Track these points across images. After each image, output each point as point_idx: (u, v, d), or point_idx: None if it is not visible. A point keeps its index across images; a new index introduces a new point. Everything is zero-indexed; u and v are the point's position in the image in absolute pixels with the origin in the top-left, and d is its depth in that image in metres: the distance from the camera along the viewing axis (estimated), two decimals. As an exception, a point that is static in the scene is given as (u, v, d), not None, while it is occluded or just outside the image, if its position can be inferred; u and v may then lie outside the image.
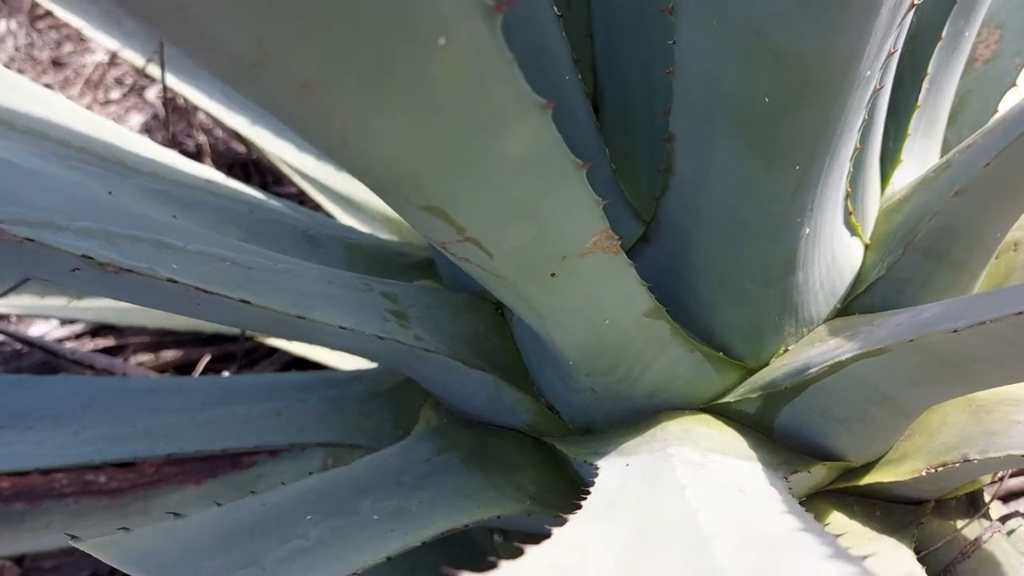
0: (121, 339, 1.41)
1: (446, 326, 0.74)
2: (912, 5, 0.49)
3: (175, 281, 0.56)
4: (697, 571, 0.34)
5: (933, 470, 0.69)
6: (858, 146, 0.62)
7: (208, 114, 1.49)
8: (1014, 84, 0.83)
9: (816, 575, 0.33)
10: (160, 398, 0.85)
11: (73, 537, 0.58)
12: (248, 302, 0.59)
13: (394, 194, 0.40)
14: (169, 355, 1.38)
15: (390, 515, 0.66)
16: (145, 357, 1.39)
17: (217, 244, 0.65)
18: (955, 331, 0.51)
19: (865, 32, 0.47)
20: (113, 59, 2.16)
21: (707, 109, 0.56)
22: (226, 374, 1.24)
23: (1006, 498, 1.03)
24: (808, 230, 0.63)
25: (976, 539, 0.79)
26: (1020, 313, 0.46)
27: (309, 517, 0.64)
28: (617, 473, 0.59)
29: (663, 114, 0.59)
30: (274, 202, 0.91)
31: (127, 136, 0.88)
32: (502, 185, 0.41)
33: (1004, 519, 0.83)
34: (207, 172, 0.90)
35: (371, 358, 0.77)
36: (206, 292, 0.58)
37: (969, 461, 0.67)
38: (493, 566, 0.31)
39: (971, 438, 0.69)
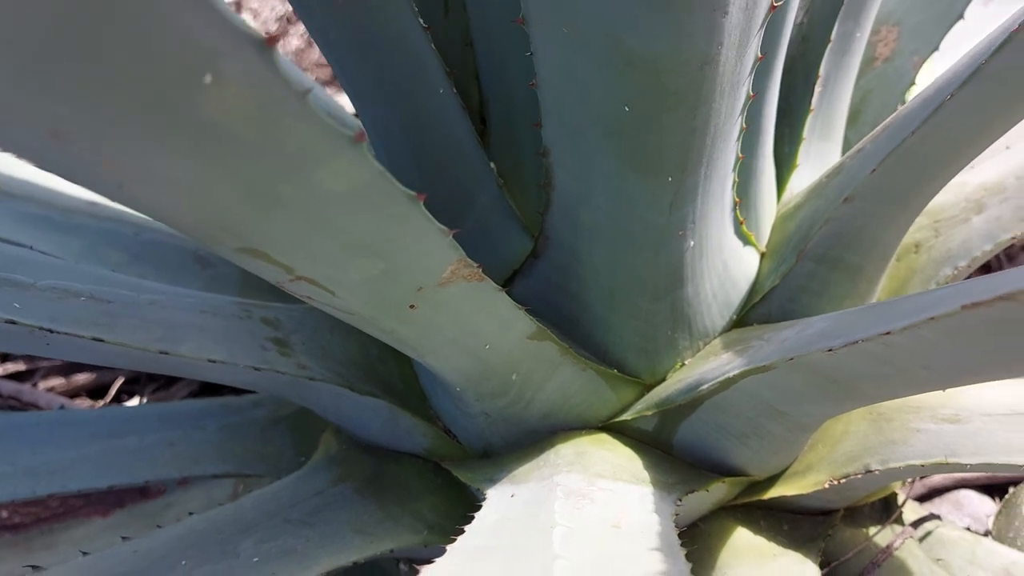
0: (31, 363, 1.35)
1: (335, 351, 0.71)
2: (771, 7, 0.47)
3: (14, 322, 0.52)
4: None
5: (836, 482, 0.68)
6: (740, 155, 0.60)
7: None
8: (913, 83, 0.82)
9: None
10: (46, 432, 0.81)
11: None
12: (101, 340, 0.56)
13: (201, 235, 0.37)
14: (81, 378, 1.33)
15: (273, 556, 0.63)
16: (56, 381, 1.33)
17: (78, 275, 0.61)
18: (830, 350, 0.50)
19: (714, 34, 0.45)
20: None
21: (575, 120, 0.53)
22: (135, 400, 1.20)
23: (929, 495, 1.03)
24: (692, 243, 0.61)
25: (888, 547, 0.77)
26: (888, 333, 0.44)
27: (184, 563, 0.61)
28: (500, 506, 0.56)
29: (535, 128, 0.57)
30: (161, 224, 0.87)
31: (3, 159, 0.84)
32: (330, 223, 0.38)
33: (917, 524, 0.82)
34: (91, 194, 0.85)
35: (255, 388, 0.73)
36: (51, 332, 0.54)
37: (871, 472, 0.66)
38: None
39: (872, 448, 0.68)
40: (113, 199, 0.33)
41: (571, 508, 0.52)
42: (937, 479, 1.05)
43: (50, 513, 1.08)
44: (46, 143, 0.28)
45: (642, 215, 0.58)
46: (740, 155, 0.60)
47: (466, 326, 0.54)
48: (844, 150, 0.80)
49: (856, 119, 0.84)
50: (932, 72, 0.82)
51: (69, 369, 1.36)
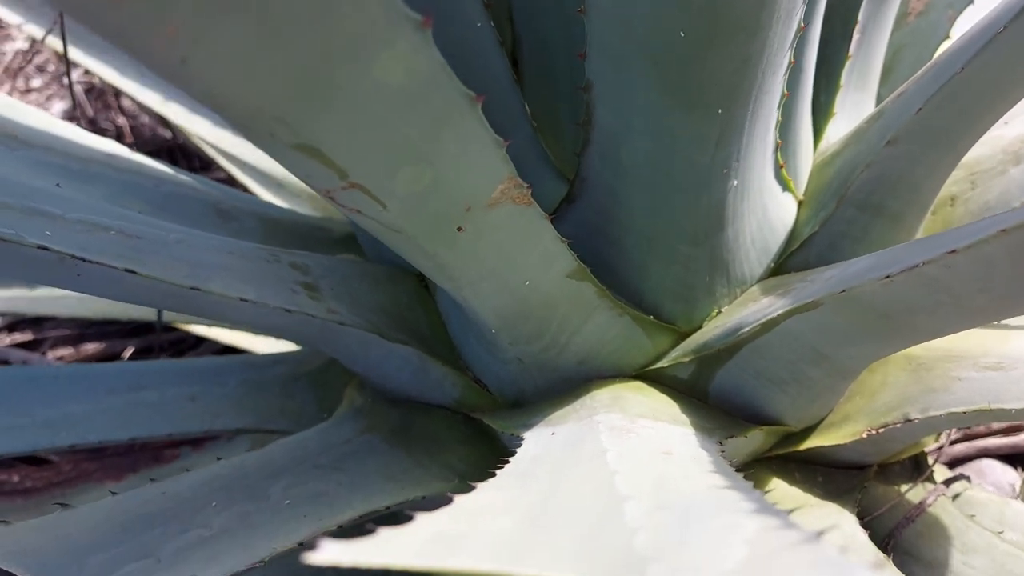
0: (39, 333, 1.34)
1: (363, 298, 0.69)
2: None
3: (47, 248, 0.51)
4: (603, 537, 0.31)
5: (874, 432, 0.66)
6: (785, 92, 0.59)
7: (127, 95, 1.42)
8: (947, 36, 0.81)
9: (734, 535, 0.30)
10: (64, 386, 0.79)
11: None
12: (134, 272, 0.54)
13: (257, 129, 0.35)
14: (90, 348, 1.31)
15: (304, 499, 0.61)
16: (65, 351, 1.32)
17: (104, 214, 0.60)
18: (887, 277, 0.48)
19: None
20: (33, 46, 2.07)
21: (622, 51, 0.52)
22: (148, 364, 1.18)
23: (951, 464, 1.02)
24: (735, 182, 0.59)
25: (920, 503, 0.76)
26: (952, 252, 0.43)
27: (213, 504, 0.59)
28: (540, 443, 0.55)
29: (579, 59, 0.55)
30: (183, 176, 0.86)
31: (21, 109, 0.82)
32: (384, 119, 0.37)
33: (948, 482, 0.81)
34: (109, 146, 0.84)
35: (283, 335, 0.72)
36: (84, 261, 0.52)
37: (910, 421, 0.65)
38: (372, 532, 0.27)
39: (911, 397, 0.67)
40: (174, 79, 0.32)
41: (617, 439, 0.50)
42: (960, 448, 1.04)
43: (62, 477, 1.07)
44: (107, 4, 0.26)
45: (687, 152, 0.56)
46: (786, 92, 0.58)
47: (509, 256, 0.53)
48: (877, 104, 0.79)
49: (888, 75, 0.82)
50: (966, 27, 0.81)
51: (78, 339, 1.34)
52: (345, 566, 0.25)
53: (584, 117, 0.59)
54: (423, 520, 0.31)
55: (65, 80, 1.96)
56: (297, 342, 0.82)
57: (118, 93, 1.65)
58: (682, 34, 0.47)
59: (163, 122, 1.42)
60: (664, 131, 0.55)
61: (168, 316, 1.03)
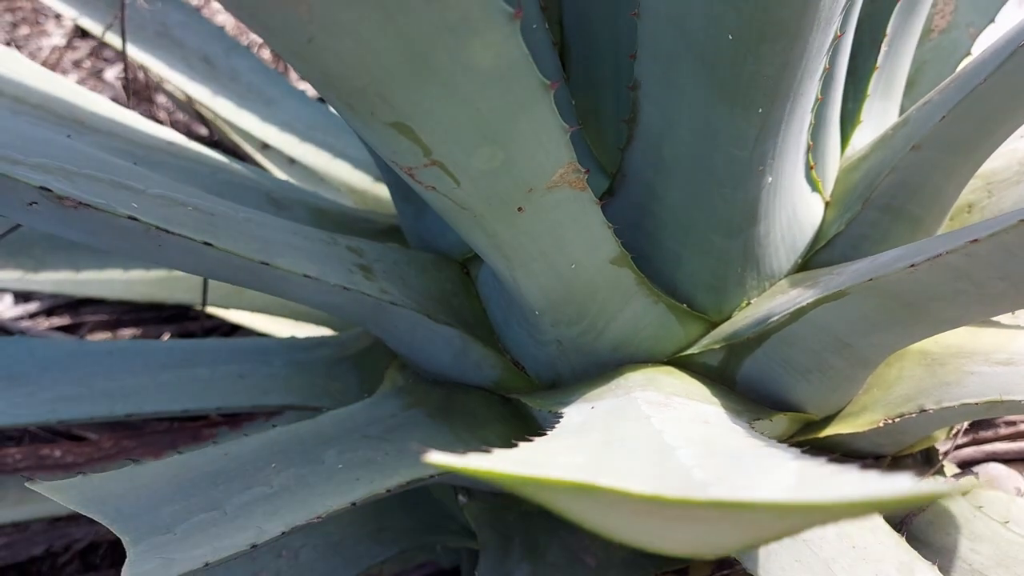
0: (77, 317, 1.38)
1: (412, 282, 0.74)
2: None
3: (136, 219, 0.55)
4: (663, 469, 0.35)
5: (891, 421, 0.70)
6: (819, 96, 0.63)
7: (168, 90, 1.47)
8: (968, 53, 0.86)
9: (780, 469, 0.34)
10: (119, 360, 0.84)
11: (29, 479, 0.57)
12: (211, 244, 0.59)
13: (360, 106, 0.40)
14: (127, 333, 1.36)
15: (356, 465, 0.65)
16: (102, 335, 1.36)
17: (179, 192, 0.64)
18: (912, 266, 0.52)
19: (826, -33, 0.48)
20: (70, 43, 2.12)
21: (672, 51, 0.56)
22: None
23: (960, 466, 1.05)
24: (770, 179, 0.64)
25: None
26: (974, 241, 0.47)
27: (273, 465, 0.63)
28: (582, 413, 0.59)
29: (629, 59, 0.60)
30: (237, 166, 0.90)
31: (86, 95, 0.87)
32: (469, 100, 0.41)
33: (958, 476, 0.85)
34: (168, 134, 0.89)
35: (336, 313, 0.76)
36: (168, 232, 0.57)
37: (925, 411, 0.69)
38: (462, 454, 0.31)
39: (927, 389, 0.71)
40: (297, 56, 0.36)
41: (656, 410, 0.54)
42: (968, 452, 1.07)
43: (102, 454, 1.11)
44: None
45: (726, 148, 0.61)
46: (819, 95, 0.63)
47: (560, 238, 0.57)
48: (900, 115, 0.83)
49: (911, 89, 0.87)
50: (986, 44, 0.85)
51: (115, 324, 1.39)
52: (456, 469, 0.29)
53: (630, 114, 0.63)
54: (504, 452, 0.35)
55: (102, 75, 2.01)
56: (348, 320, 0.86)
57: (157, 88, 1.70)
58: (731, 36, 0.52)
59: (200, 118, 1.47)
60: (707, 127, 0.59)
61: (207, 302, 1.07)
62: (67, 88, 0.85)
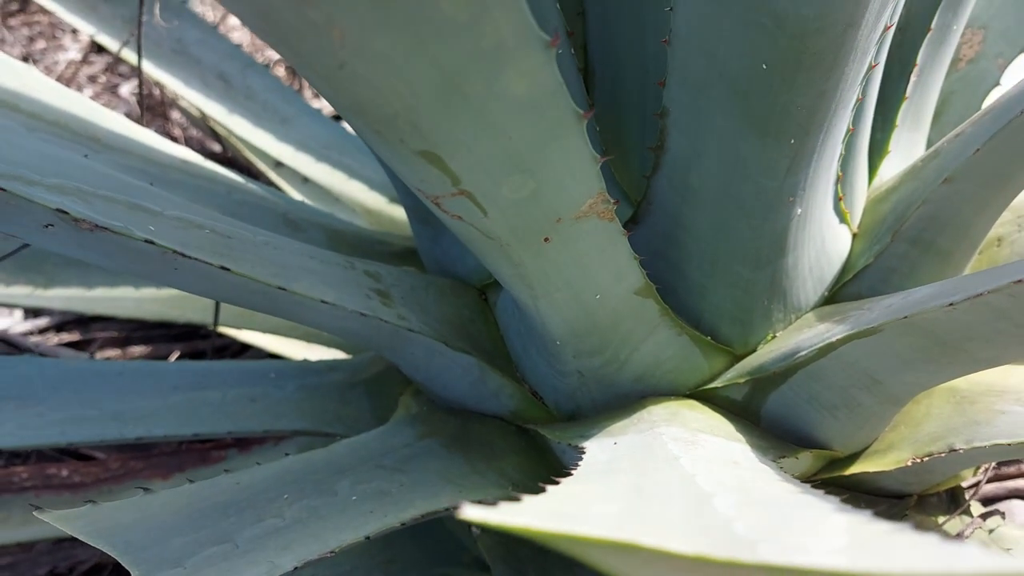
0: (87, 334, 1.37)
1: (430, 308, 0.72)
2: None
3: (152, 242, 0.54)
4: (703, 522, 0.33)
5: (919, 460, 0.68)
6: (850, 127, 0.62)
7: (183, 107, 1.47)
8: (997, 84, 0.84)
9: (827, 524, 0.32)
10: (130, 381, 0.82)
11: (36, 508, 0.55)
12: (228, 269, 0.57)
13: (389, 134, 0.38)
14: (137, 351, 1.35)
15: (369, 496, 0.64)
16: (112, 352, 1.35)
17: (196, 214, 0.63)
18: (951, 305, 0.51)
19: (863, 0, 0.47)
20: (86, 57, 2.13)
21: (703, 80, 0.55)
22: (196, 368, 1.21)
23: (985, 502, 1.03)
24: (800, 210, 0.62)
25: (959, 534, 0.78)
26: (1020, 281, 0.46)
27: (285, 496, 0.62)
28: (605, 449, 0.57)
29: (657, 86, 0.58)
30: (252, 185, 0.89)
31: (102, 112, 0.86)
32: (501, 129, 0.40)
33: (985, 516, 0.83)
34: (183, 152, 0.88)
35: (352, 339, 0.75)
36: (184, 256, 0.56)
37: (955, 451, 0.67)
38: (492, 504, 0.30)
39: (956, 428, 0.69)
40: (328, 81, 0.35)
41: (684, 449, 0.53)
42: (990, 488, 1.05)
43: (110, 475, 1.09)
44: (295, 2, 0.30)
45: (756, 179, 0.59)
46: (851, 127, 0.61)
47: (586, 269, 0.56)
48: (927, 147, 0.82)
49: (938, 119, 0.85)
50: (1016, 75, 0.84)
51: (125, 341, 1.38)
52: (491, 526, 0.27)
53: (657, 142, 0.62)
54: (534, 500, 0.34)
55: (117, 90, 2.02)
56: (364, 346, 0.85)
57: (171, 104, 1.70)
58: (765, 66, 0.50)
59: (213, 134, 1.46)
60: (737, 157, 0.58)
61: (219, 322, 1.06)
62: (83, 105, 0.84)
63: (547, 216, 0.48)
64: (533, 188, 0.45)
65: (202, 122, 1.53)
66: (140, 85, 1.11)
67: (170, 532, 0.57)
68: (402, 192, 0.81)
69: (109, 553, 0.53)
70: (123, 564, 0.53)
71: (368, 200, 1.08)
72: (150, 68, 1.15)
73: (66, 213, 0.51)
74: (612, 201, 0.50)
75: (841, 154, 0.63)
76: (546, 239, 0.50)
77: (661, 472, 0.44)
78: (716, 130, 0.57)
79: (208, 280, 0.60)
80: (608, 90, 0.69)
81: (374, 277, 0.70)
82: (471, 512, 0.27)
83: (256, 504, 0.61)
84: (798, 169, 0.58)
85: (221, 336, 1.22)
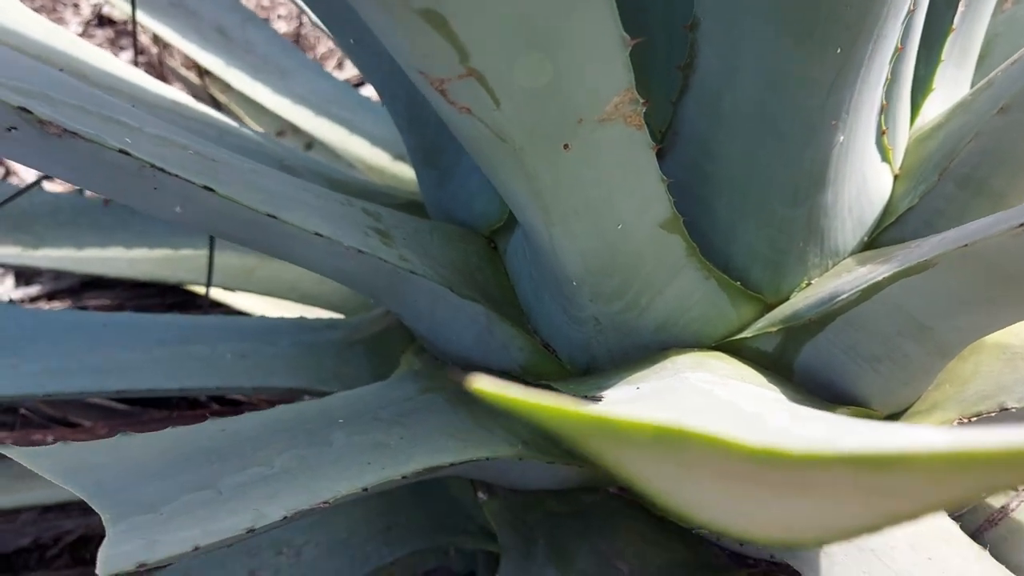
0: (79, 301, 1.32)
1: (434, 251, 0.67)
2: None
3: (128, 153, 0.49)
4: (759, 426, 0.27)
5: (966, 420, 0.63)
6: (899, 46, 0.56)
7: (183, 75, 1.42)
8: (1046, 25, 0.78)
9: (907, 430, 0.26)
10: (113, 334, 0.77)
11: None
12: (212, 190, 0.52)
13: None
14: (130, 320, 1.29)
15: (366, 448, 0.58)
16: (104, 321, 1.30)
17: (180, 137, 0.58)
18: (1021, 225, 0.45)
19: None
20: (86, 30, 2.08)
21: (741, -20, 0.49)
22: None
23: (1019, 482, 0.97)
24: (842, 138, 0.56)
25: (1003, 507, 0.72)
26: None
27: (274, 445, 0.56)
28: (627, 393, 0.52)
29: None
30: (246, 131, 0.84)
31: (90, 49, 0.81)
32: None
33: (1031, 489, 0.77)
34: (174, 94, 0.82)
35: (348, 282, 0.69)
36: (164, 172, 0.50)
37: (1006, 410, 0.61)
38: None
39: (1007, 386, 0.63)
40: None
41: (715, 386, 0.47)
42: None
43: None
44: None
45: (797, 97, 0.53)
46: (899, 46, 0.56)
47: (608, 189, 0.50)
48: (972, 88, 0.76)
49: (982, 62, 0.79)
50: (1067, 15, 0.78)
51: (118, 308, 1.33)
52: (516, 403, 0.22)
53: (686, 60, 0.56)
54: (555, 395, 0.28)
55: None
56: (361, 291, 0.79)
57: (172, 73, 1.65)
58: (811, -43, 0.45)
59: (214, 103, 1.41)
60: (775, 72, 0.52)
61: (211, 287, 1.01)
62: (70, 41, 0.79)
63: (567, 114, 0.42)
64: (551, 73, 0.39)
65: (203, 90, 1.48)
66: (135, 42, 1.06)
67: (146, 476, 0.51)
68: (406, 131, 0.75)
69: (76, 493, 0.47)
70: (92, 506, 0.48)
71: (371, 156, 1.02)
72: (148, 20, 1.10)
73: (30, 113, 0.45)
74: (641, 101, 0.44)
75: (887, 79, 0.58)
76: (565, 146, 0.45)
77: (695, 400, 0.39)
78: (753, 40, 0.52)
79: (192, 205, 0.54)
80: (630, 4, 0.63)
81: (373, 216, 0.65)
82: (482, 383, 0.22)
83: (243, 452, 0.56)
84: (842, 86, 0.53)
85: (216, 304, 1.17)
